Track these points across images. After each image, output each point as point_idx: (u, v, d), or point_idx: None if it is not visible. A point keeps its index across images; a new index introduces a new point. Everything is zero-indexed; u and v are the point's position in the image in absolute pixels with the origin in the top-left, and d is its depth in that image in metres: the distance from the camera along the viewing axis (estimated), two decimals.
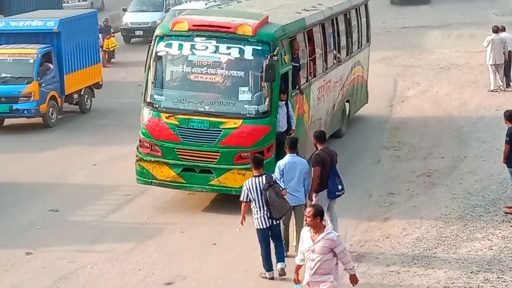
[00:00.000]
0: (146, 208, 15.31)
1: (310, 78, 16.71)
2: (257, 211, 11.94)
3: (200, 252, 13.34)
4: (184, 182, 14.68)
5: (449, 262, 12.66)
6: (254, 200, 11.90)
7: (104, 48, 30.27)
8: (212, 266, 12.79)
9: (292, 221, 12.94)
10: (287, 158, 12.61)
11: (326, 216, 10.77)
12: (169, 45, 14.78)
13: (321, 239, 9.24)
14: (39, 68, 21.47)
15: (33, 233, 14.27)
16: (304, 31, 16.52)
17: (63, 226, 14.64)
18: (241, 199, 12.06)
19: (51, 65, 22.00)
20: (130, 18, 35.77)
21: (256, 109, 14.47)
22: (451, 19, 38.45)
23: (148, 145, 14.75)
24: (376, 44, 32.16)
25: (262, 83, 14.35)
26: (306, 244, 9.37)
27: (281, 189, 12.12)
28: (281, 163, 12.59)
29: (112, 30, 31.71)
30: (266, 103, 14.45)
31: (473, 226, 13.99)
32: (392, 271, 12.38)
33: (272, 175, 12.37)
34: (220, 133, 14.39)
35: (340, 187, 12.99)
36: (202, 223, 14.60)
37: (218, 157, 14.41)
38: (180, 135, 14.53)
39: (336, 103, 18.65)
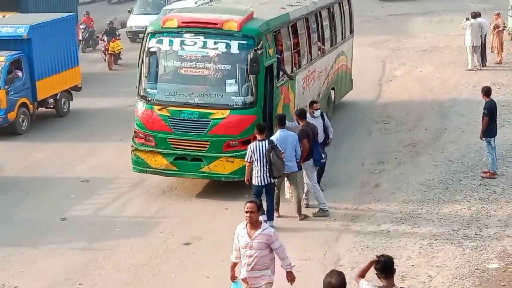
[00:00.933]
0: (164, 181, 15.06)
1: (295, 69, 16.01)
2: (258, 170, 12.42)
3: (214, 217, 13.44)
4: (177, 170, 14.15)
5: (433, 221, 12.75)
6: (257, 160, 12.39)
7: (109, 51, 27.30)
8: (225, 228, 12.72)
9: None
10: (279, 133, 12.94)
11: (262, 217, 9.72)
12: (160, 42, 14.25)
13: (258, 235, 8.56)
14: (6, 76, 18.81)
15: (68, 200, 14.51)
16: (288, 25, 15.88)
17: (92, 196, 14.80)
18: (246, 159, 12.63)
19: (19, 73, 19.35)
20: (135, 21, 31.87)
21: (243, 100, 13.87)
22: (433, 7, 38.26)
23: (143, 136, 14.26)
24: (367, 30, 32.20)
25: (248, 75, 13.80)
26: (242, 241, 8.66)
27: (281, 152, 12.51)
28: (273, 137, 12.79)
29: (117, 33, 28.34)
30: (252, 94, 13.87)
31: (454, 190, 14.06)
32: (383, 230, 12.48)
33: (274, 140, 12.69)
34: (209, 123, 13.85)
35: (323, 155, 13.66)
36: (215, 191, 14.58)
37: (208, 146, 13.90)
38: (172, 126, 13.98)
39: (321, 91, 17.99)
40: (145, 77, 14.40)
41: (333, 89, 19.06)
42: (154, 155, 14.21)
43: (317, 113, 14.03)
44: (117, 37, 27.86)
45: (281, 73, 15.11)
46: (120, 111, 20.71)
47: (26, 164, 16.86)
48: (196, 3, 30.70)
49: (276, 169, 12.37)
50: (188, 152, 14.04)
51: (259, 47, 13.67)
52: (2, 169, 16.44)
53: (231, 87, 13.97)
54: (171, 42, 14.18)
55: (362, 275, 7.30)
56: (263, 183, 12.46)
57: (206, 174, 14.14)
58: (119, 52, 27.72)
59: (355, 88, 21.40)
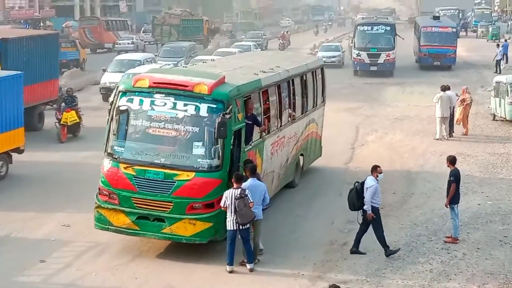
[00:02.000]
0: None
1: (264, 134, 15.53)
2: (229, 215, 12.78)
3: (187, 265, 13.20)
4: (139, 229, 13.40)
5: (396, 281, 12.65)
6: (229, 206, 12.74)
7: (62, 122, 22.85)
8: (197, 277, 12.71)
9: None
10: (249, 181, 13.21)
11: None
12: (130, 100, 13.65)
13: None
14: None
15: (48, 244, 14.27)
16: (260, 91, 15.45)
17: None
18: (221, 204, 12.84)
19: None
20: (109, 78, 30.86)
21: (209, 163, 13.25)
22: (406, 78, 38.83)
23: (107, 193, 13.53)
24: (343, 97, 32.59)
25: (216, 138, 13.26)
26: None
27: (250, 201, 12.80)
28: (244, 185, 13.00)
29: (76, 102, 23.45)
30: (219, 157, 13.30)
31: (417, 252, 13.98)
32: (348, 287, 12.43)
33: (246, 190, 12.90)
34: (174, 184, 13.15)
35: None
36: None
37: (171, 207, 13.17)
38: (137, 185, 13.28)
39: (290, 157, 17.55)
40: (113, 134, 13.83)
41: (302, 155, 18.65)
42: (116, 213, 13.47)
43: (380, 176, 13.96)
44: (75, 107, 23.24)
45: (252, 137, 14.72)
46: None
47: None
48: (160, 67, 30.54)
49: (241, 217, 12.71)
50: (151, 212, 13.29)
51: (227, 111, 13.27)
52: None
53: (198, 149, 13.38)
54: (141, 102, 13.62)
55: None
56: (233, 228, 12.80)
57: (168, 235, 13.40)
58: (74, 124, 23.16)
59: (329, 150, 21.46)
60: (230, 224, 12.81)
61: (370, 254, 13.88)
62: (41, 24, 64.94)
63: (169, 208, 13.21)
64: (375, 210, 13.78)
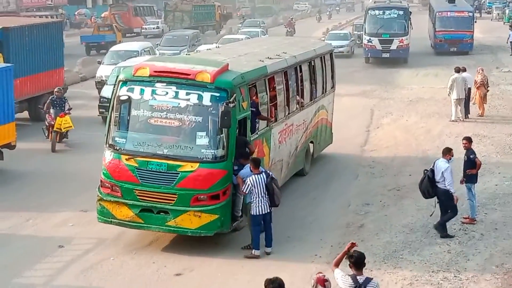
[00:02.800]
0: None
1: (271, 122, 15.05)
2: (258, 200, 12.67)
3: (205, 250, 13.24)
4: (142, 222, 13.00)
5: (414, 263, 12.60)
6: (257, 192, 12.63)
7: (55, 129, 20.04)
8: (214, 261, 12.75)
9: None
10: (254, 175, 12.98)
11: None
12: (131, 90, 13.18)
13: None
14: None
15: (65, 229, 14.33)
16: (265, 78, 14.91)
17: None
18: (243, 190, 12.74)
19: None
20: (104, 71, 27.52)
21: (213, 153, 12.80)
22: (420, 61, 38.57)
23: (109, 186, 13.10)
24: (357, 80, 32.45)
25: (220, 128, 12.87)
26: None
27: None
28: (250, 179, 12.72)
29: (68, 105, 20.54)
30: (223, 147, 12.85)
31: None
32: (365, 269, 12.15)
33: (269, 172, 13.05)
34: (177, 176, 12.71)
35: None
36: None
37: (175, 199, 12.75)
38: (139, 176, 12.83)
39: (299, 145, 17.05)
40: (114, 125, 13.38)
41: (312, 142, 18.20)
42: (119, 206, 13.05)
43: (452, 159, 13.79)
44: (67, 111, 20.44)
45: (257, 125, 14.35)
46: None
47: None
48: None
49: (277, 198, 12.84)
50: (154, 205, 12.87)
51: (231, 100, 12.80)
52: None
53: (202, 139, 12.90)
54: (142, 91, 13.17)
55: (337, 264, 8.46)
56: (263, 212, 12.74)
57: (173, 228, 12.99)
58: (66, 132, 20.61)
59: (344, 133, 21.39)
60: (260, 208, 12.69)
61: (387, 235, 13.84)
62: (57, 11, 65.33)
63: (173, 200, 12.81)
64: (450, 193, 13.61)
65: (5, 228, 14.36)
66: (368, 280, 8.33)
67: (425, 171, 13.91)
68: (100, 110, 23.25)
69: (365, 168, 18.87)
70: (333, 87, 20.15)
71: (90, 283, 11.89)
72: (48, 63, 23.90)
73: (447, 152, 13.93)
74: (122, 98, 13.30)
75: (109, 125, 13.44)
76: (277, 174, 15.12)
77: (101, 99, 23.31)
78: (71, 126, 20.36)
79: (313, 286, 7.95)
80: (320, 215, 15.22)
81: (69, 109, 20.49)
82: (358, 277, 8.26)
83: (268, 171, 13.16)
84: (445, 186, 13.62)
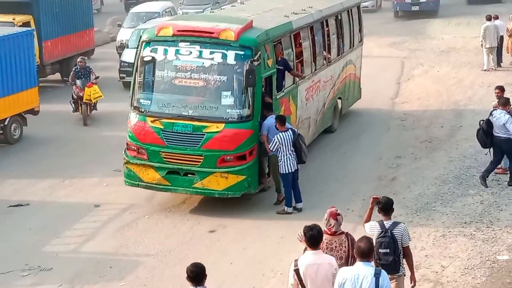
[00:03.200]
0: None
1: (297, 79, 14.76)
2: (287, 158, 12.70)
3: (238, 207, 13.35)
4: (169, 184, 12.91)
5: (446, 214, 12.61)
6: (284, 150, 12.65)
7: (84, 100, 18.80)
8: (247, 218, 12.87)
9: None
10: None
11: None
12: (154, 50, 12.99)
13: None
14: None
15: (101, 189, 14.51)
16: (291, 34, 14.59)
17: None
18: (270, 147, 12.73)
19: None
20: (125, 34, 25.27)
21: (239, 113, 12.64)
22: (451, 11, 37.88)
23: (135, 148, 13.02)
24: (387, 31, 32.02)
25: (244, 87, 12.66)
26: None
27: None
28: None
29: (94, 74, 19.11)
30: (249, 107, 12.69)
31: (467, 184, 13.89)
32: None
33: (294, 128, 13.08)
34: (203, 137, 12.61)
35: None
36: None
37: (201, 160, 12.65)
38: (165, 138, 12.74)
39: (327, 102, 16.75)
40: (139, 87, 13.26)
41: (340, 98, 17.90)
42: (146, 168, 12.98)
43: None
44: (94, 81, 19.11)
45: (284, 82, 14.16)
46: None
47: None
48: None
49: (304, 154, 12.89)
50: (181, 167, 12.80)
51: (256, 58, 12.58)
52: None
53: (227, 99, 12.73)
54: (165, 51, 12.97)
55: (367, 220, 8.58)
56: (291, 170, 12.76)
57: (199, 190, 12.92)
58: (96, 102, 19.28)
59: (374, 86, 21.25)
60: (289, 166, 12.71)
61: (419, 188, 13.80)
62: None
63: (199, 162, 12.73)
64: None
65: (43, 189, 14.62)
66: (395, 224, 8.36)
67: (481, 122, 13.79)
68: (121, 75, 22.34)
69: (396, 120, 18.76)
70: (361, 41, 19.77)
71: (127, 241, 12.13)
72: (77, 24, 23.94)
73: (507, 103, 13.67)
74: (145, 59, 13.10)
75: (134, 87, 13.29)
76: (305, 132, 15.08)
77: (122, 64, 22.44)
78: (100, 96, 19.19)
79: (325, 220, 7.94)
80: (352, 169, 15.24)
81: (96, 78, 19.22)
82: (385, 222, 8.33)
83: (294, 128, 13.18)
84: (509, 135, 13.38)
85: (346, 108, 18.87)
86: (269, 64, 13.27)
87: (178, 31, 13.00)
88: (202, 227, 12.61)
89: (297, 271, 7.32)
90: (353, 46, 18.85)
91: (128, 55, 21.44)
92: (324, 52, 16.66)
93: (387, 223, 8.33)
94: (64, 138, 18.20)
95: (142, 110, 13.13)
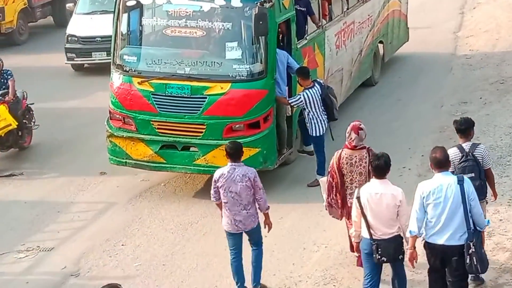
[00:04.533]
0: None
1: (323, 23, 13.66)
2: (317, 119, 12.07)
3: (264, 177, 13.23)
4: (164, 162, 11.91)
5: None
6: (314, 109, 12.00)
7: None
8: (276, 189, 12.35)
9: None
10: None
11: None
12: None
13: None
14: None
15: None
16: None
17: None
18: (291, 102, 12.16)
19: None
20: (79, 27, 19.20)
21: (248, 69, 11.59)
22: None
23: (120, 118, 11.96)
24: None
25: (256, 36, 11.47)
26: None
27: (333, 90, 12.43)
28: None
29: (11, 83, 14.01)
30: (261, 61, 11.62)
31: None
32: None
33: (321, 80, 12.38)
34: (204, 101, 11.57)
35: None
36: None
37: (203, 130, 11.65)
38: (157, 104, 11.69)
39: (364, 48, 15.65)
40: (122, 39, 12.04)
41: (381, 42, 16.76)
42: (135, 142, 11.94)
43: None
44: (5, 97, 13.81)
45: (306, 27, 13.06)
46: None
47: None
48: None
49: (336, 110, 12.23)
50: (178, 139, 11.78)
51: None
52: None
53: (233, 52, 11.62)
54: None
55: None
56: (323, 132, 12.10)
57: (202, 168, 11.77)
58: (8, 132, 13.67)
59: (433, 18, 20.67)
60: (322, 127, 12.08)
61: (490, 139, 13.22)
62: None
63: (201, 132, 11.68)
64: None
65: (39, 156, 14.56)
66: (474, 145, 8.71)
67: None
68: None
69: (460, 59, 18.25)
70: None
71: (140, 213, 11.60)
72: None
73: None
74: (128, 3, 11.99)
75: (115, 40, 12.05)
76: (337, 87, 13.92)
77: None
78: (10, 125, 13.73)
79: (347, 133, 8.76)
80: (408, 119, 14.73)
81: (5, 92, 13.96)
82: (464, 145, 8.75)
83: (321, 80, 12.21)
84: None
85: (390, 54, 17.81)
86: (285, 4, 12.04)
87: None
88: None
89: (358, 199, 7.98)
90: None
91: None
92: None
93: (466, 146, 8.73)
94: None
95: (127, 69, 11.93)
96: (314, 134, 12.17)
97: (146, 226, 11.38)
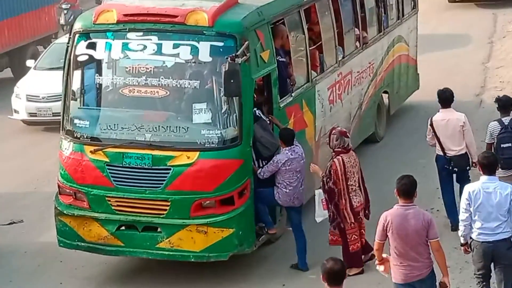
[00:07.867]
0: None
1: (313, 75, 12.27)
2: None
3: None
4: (123, 245, 10.77)
5: None
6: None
7: None
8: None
9: None
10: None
11: None
12: (92, 46, 10.83)
13: None
14: None
15: None
16: (300, 9, 12.02)
17: None
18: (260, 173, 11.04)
19: None
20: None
21: (219, 135, 10.45)
22: None
23: (70, 193, 10.85)
24: None
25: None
26: None
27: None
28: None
29: None
30: (235, 125, 10.47)
31: None
32: None
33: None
34: (168, 173, 10.46)
35: None
36: None
37: (167, 208, 10.51)
38: (113, 177, 10.60)
39: (364, 101, 14.38)
40: (72, 100, 10.99)
41: (386, 92, 15.59)
42: (88, 222, 10.79)
43: None
44: None
45: (290, 82, 11.82)
46: None
47: None
48: None
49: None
50: (138, 218, 10.62)
51: (240, 51, 10.18)
52: None
53: (201, 115, 10.56)
54: (108, 46, 10.80)
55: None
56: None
57: (167, 252, 10.62)
58: None
59: (459, 47, 20.74)
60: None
61: None
62: None
63: (165, 210, 10.56)
64: None
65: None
66: None
67: None
68: (16, 108, 17.89)
69: (490, 91, 17.67)
70: (414, 7, 17.02)
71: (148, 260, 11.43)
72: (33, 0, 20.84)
73: None
74: (80, 58, 10.94)
75: (65, 101, 11.03)
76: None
77: (16, 95, 17.95)
78: None
79: (336, 140, 10.79)
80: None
81: None
82: (503, 119, 10.35)
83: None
84: None
85: (397, 104, 16.44)
86: (264, 58, 10.86)
87: (125, 15, 10.73)
88: None
89: (431, 125, 11.33)
90: (403, 16, 16.15)
91: (31, 83, 17.85)
92: (356, 29, 14.07)
93: (506, 120, 10.47)
94: None
95: (78, 135, 10.85)
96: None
97: (156, 275, 11.50)
